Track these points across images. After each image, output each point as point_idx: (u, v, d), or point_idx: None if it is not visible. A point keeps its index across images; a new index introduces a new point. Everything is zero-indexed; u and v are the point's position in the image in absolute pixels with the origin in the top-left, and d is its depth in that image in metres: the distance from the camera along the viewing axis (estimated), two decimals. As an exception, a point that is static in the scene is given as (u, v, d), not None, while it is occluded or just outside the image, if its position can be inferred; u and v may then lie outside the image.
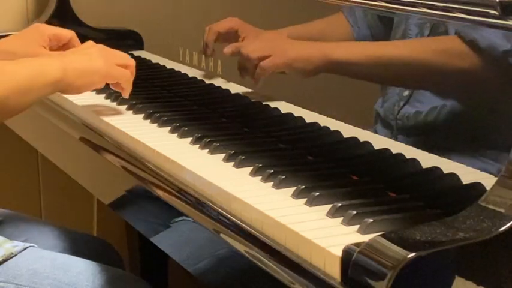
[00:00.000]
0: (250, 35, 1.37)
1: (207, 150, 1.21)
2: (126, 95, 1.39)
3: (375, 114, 1.12)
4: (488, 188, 0.89)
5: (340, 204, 0.96)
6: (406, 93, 1.08)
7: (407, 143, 1.08)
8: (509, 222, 0.82)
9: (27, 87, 1.23)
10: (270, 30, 1.34)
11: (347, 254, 0.84)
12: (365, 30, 1.15)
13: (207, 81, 1.52)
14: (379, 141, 1.12)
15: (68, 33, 1.47)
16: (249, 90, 1.39)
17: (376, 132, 1.12)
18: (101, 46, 1.36)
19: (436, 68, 1.06)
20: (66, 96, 1.49)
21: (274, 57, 1.30)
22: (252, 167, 1.11)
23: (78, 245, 1.46)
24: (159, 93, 1.53)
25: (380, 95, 1.12)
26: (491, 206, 0.86)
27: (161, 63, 1.66)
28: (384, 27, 1.12)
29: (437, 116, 1.04)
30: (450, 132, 1.03)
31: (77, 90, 1.32)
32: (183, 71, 1.59)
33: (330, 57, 1.21)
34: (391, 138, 1.10)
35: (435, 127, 1.05)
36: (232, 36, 1.40)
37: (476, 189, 0.95)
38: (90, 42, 1.38)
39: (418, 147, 1.06)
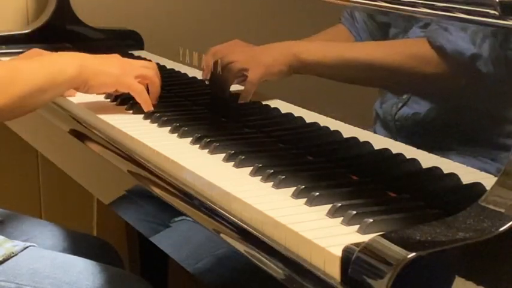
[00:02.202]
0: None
1: (207, 150, 1.21)
2: (145, 107, 1.40)
3: (374, 115, 1.12)
4: (488, 188, 0.89)
5: (340, 204, 0.96)
6: (405, 96, 1.08)
7: (407, 143, 1.08)
8: (509, 222, 0.82)
9: (46, 86, 1.31)
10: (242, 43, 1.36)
11: (347, 254, 0.84)
12: (367, 40, 1.15)
13: (207, 81, 1.52)
14: (379, 141, 1.11)
15: None
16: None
17: (375, 132, 1.12)
18: (123, 59, 1.43)
19: (405, 71, 1.07)
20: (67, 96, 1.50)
21: (253, 69, 1.32)
22: (252, 167, 1.11)
23: (78, 244, 1.46)
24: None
25: (379, 95, 1.12)
26: (491, 206, 0.86)
27: (161, 63, 1.66)
28: (383, 35, 1.12)
29: (436, 117, 1.04)
30: (450, 132, 1.03)
31: (88, 89, 1.38)
32: (183, 71, 1.58)
33: (299, 56, 1.23)
34: (390, 138, 1.10)
35: (434, 128, 1.05)
36: None
37: (476, 189, 0.95)
38: (115, 54, 1.43)
39: (418, 147, 1.06)
